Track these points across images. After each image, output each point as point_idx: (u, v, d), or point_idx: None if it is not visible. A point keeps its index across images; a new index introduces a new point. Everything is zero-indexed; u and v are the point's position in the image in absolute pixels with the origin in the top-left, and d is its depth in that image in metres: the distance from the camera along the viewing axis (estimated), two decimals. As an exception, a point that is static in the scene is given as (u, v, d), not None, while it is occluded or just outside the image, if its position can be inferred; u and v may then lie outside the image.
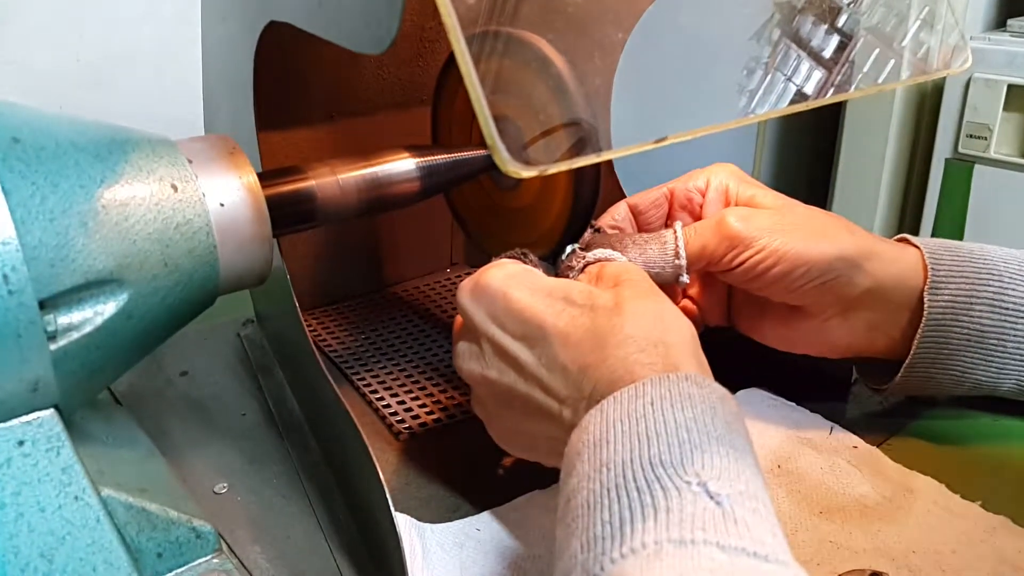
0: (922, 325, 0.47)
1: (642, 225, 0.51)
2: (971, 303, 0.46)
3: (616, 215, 0.50)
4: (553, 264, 0.48)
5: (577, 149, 0.35)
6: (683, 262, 0.46)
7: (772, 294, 0.47)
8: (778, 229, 0.46)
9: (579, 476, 0.32)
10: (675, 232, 0.47)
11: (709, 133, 0.33)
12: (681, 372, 0.34)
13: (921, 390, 0.50)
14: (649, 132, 0.39)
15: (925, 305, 0.46)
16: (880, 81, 0.53)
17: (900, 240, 0.49)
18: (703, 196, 0.50)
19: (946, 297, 0.46)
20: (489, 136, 0.27)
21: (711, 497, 0.29)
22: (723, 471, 0.30)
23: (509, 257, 0.46)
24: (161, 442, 0.50)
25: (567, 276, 0.45)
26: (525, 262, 0.46)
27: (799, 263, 0.45)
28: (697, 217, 0.50)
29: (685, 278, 0.47)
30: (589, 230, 0.49)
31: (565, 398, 0.37)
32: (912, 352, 0.47)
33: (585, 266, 0.44)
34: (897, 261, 0.47)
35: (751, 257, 0.46)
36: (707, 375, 0.36)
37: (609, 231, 0.49)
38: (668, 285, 0.47)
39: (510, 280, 0.41)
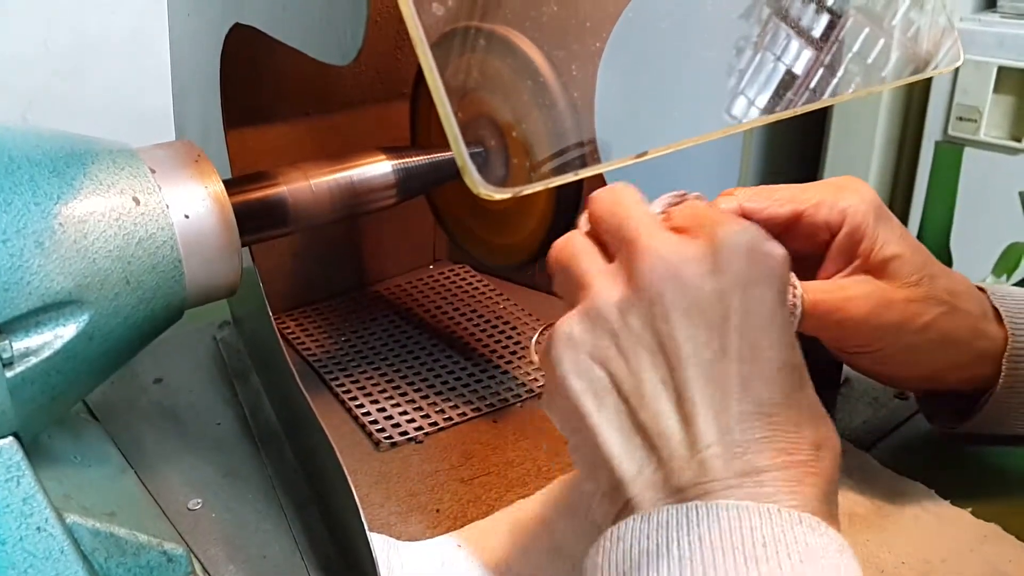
0: (997, 390, 0.43)
1: None
2: None
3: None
4: None
5: (558, 168, 0.34)
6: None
7: (864, 367, 0.45)
8: (906, 332, 0.41)
9: None
10: (794, 304, 0.40)
11: (694, 144, 0.32)
12: (795, 513, 0.29)
13: (982, 432, 0.47)
14: (634, 137, 0.37)
15: (1002, 375, 0.43)
16: (869, 61, 0.52)
17: (978, 288, 0.45)
18: (832, 236, 0.42)
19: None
20: (459, 156, 0.26)
21: None
22: None
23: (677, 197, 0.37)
24: (133, 455, 0.48)
25: None
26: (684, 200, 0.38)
27: (907, 364, 0.43)
28: (817, 253, 0.42)
29: None
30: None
31: (733, 443, 0.30)
32: (978, 414, 0.44)
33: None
34: (994, 352, 0.43)
35: (864, 353, 0.42)
36: (836, 521, 0.31)
37: None
38: None
39: (783, 288, 0.32)
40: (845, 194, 0.42)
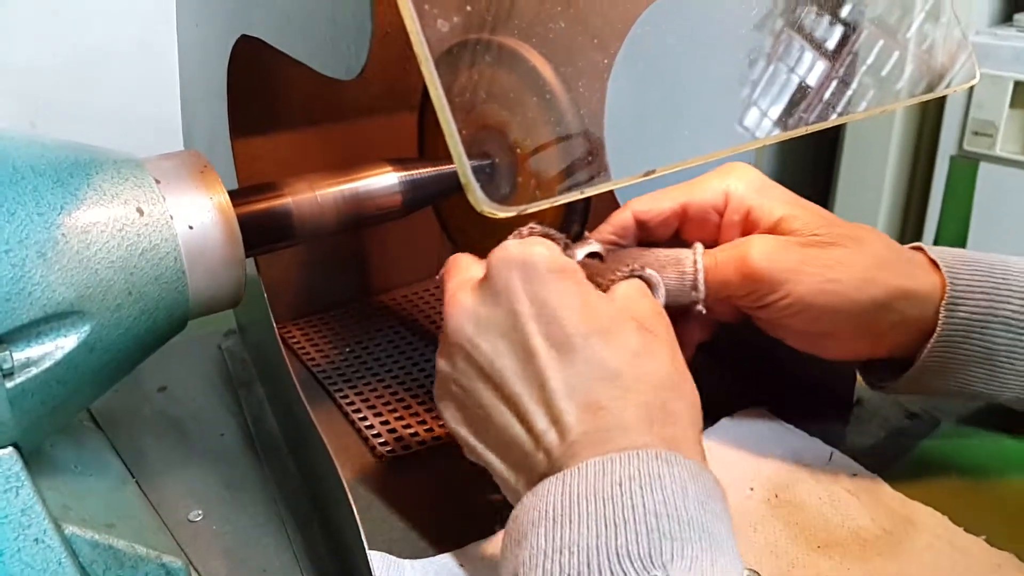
0: (932, 341, 0.45)
1: (647, 240, 0.47)
2: (987, 322, 0.45)
3: (618, 229, 0.46)
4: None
5: (564, 185, 0.33)
6: (701, 294, 0.43)
7: (792, 325, 0.45)
8: (809, 271, 0.43)
9: (533, 551, 0.30)
10: (695, 261, 0.43)
11: (703, 162, 0.31)
12: (651, 451, 0.32)
13: (918, 393, 0.49)
14: (644, 151, 0.37)
15: (939, 322, 0.44)
16: (883, 74, 0.52)
17: (914, 248, 0.47)
18: (721, 215, 0.45)
19: (962, 315, 0.44)
20: (463, 175, 0.25)
21: None
22: (694, 561, 0.29)
23: (543, 234, 0.41)
24: (136, 464, 0.48)
25: (597, 281, 0.40)
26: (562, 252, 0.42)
27: (827, 311, 0.43)
28: (713, 238, 0.46)
29: (702, 308, 0.44)
30: (583, 247, 0.44)
31: (560, 420, 0.34)
32: (917, 363, 0.46)
33: (628, 277, 0.40)
34: (926, 296, 0.44)
35: (776, 301, 0.43)
36: (701, 455, 0.35)
37: (604, 249, 0.45)
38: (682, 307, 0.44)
39: (564, 274, 0.36)
40: (727, 177, 0.45)
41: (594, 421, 0.34)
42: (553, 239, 0.40)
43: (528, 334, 0.35)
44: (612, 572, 0.28)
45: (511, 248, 0.37)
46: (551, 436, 0.34)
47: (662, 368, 0.36)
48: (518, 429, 0.36)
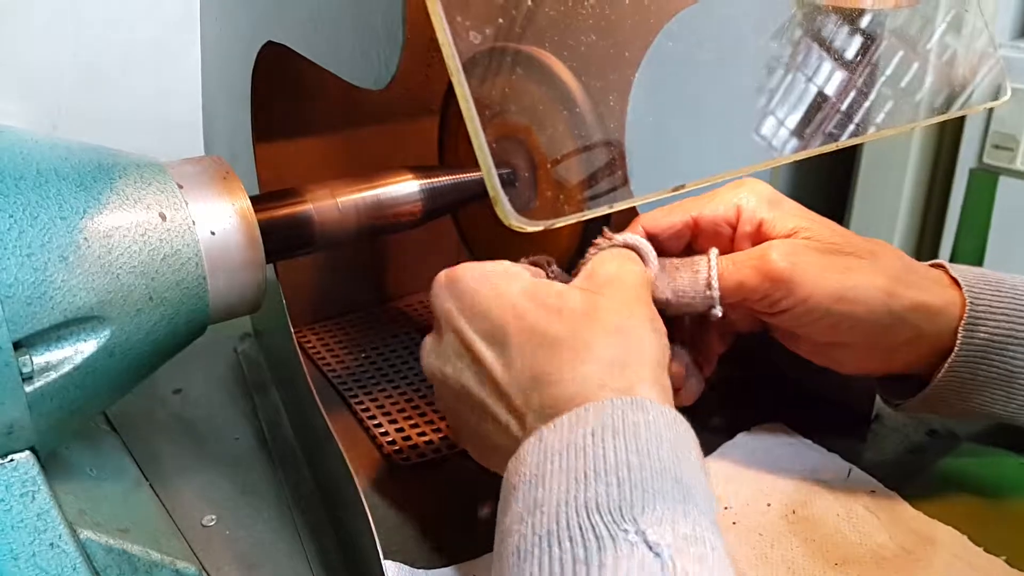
0: (950, 359, 0.44)
1: (659, 253, 0.46)
2: (1006, 343, 0.44)
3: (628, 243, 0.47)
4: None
5: (591, 199, 0.33)
6: (716, 294, 0.43)
7: (808, 333, 0.45)
8: (828, 276, 0.42)
9: (512, 516, 0.30)
10: (709, 261, 0.43)
11: (730, 178, 0.31)
12: (627, 398, 0.32)
13: (935, 412, 0.48)
14: (667, 165, 0.36)
15: (958, 342, 0.44)
16: (903, 85, 0.51)
17: (935, 266, 0.47)
18: (733, 228, 0.45)
19: (982, 335, 0.44)
20: (492, 188, 0.25)
21: (650, 548, 0.26)
22: (665, 513, 0.28)
23: (532, 263, 0.43)
24: (150, 468, 0.48)
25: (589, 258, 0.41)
26: (548, 272, 0.43)
27: (844, 319, 0.43)
28: (727, 250, 0.45)
29: (718, 311, 0.43)
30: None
31: (515, 407, 0.35)
32: (934, 382, 0.45)
33: (611, 247, 0.41)
34: (943, 312, 0.44)
35: (794, 306, 0.42)
36: (667, 401, 0.34)
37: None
38: (699, 314, 0.44)
39: (484, 277, 0.38)
40: (739, 191, 0.45)
41: (539, 396, 0.34)
42: (538, 264, 0.41)
43: (471, 343, 0.37)
44: (581, 527, 0.27)
45: (439, 276, 0.39)
46: (513, 425, 0.35)
47: (608, 322, 0.36)
48: (492, 431, 0.37)
